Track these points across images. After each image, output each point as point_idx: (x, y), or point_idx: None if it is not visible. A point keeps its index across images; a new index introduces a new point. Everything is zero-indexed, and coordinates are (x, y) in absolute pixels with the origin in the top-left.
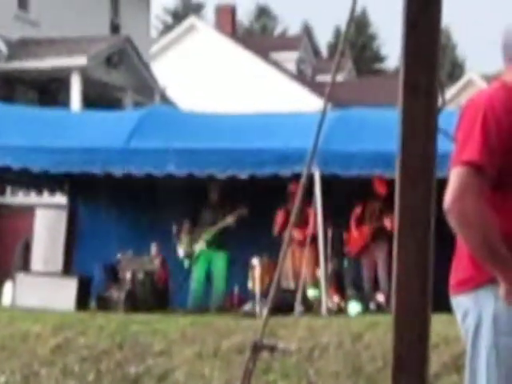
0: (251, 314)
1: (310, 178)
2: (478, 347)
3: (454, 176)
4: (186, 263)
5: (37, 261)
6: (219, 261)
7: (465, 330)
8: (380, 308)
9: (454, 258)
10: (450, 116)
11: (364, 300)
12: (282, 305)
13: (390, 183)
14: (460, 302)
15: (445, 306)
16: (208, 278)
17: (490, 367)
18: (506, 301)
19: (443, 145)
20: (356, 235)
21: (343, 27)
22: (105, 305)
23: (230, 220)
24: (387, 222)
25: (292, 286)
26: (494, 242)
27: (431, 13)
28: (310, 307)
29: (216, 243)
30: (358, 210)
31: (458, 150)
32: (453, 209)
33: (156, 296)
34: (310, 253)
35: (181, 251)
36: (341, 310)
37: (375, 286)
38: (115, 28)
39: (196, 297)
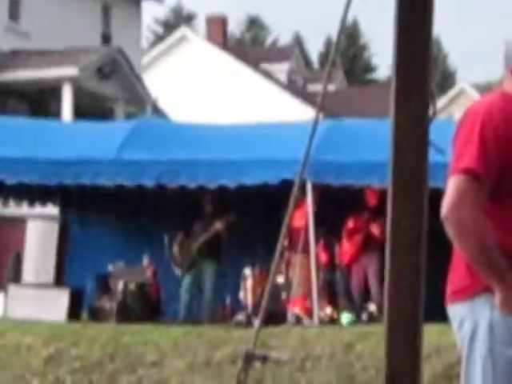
0: (243, 325)
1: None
2: (474, 356)
3: (452, 183)
4: (179, 272)
5: (28, 272)
6: (209, 270)
7: (461, 338)
8: (372, 318)
9: (449, 267)
10: (441, 125)
11: (356, 310)
12: (274, 315)
13: (381, 194)
14: (456, 310)
15: (437, 316)
16: (199, 287)
17: (485, 376)
18: (502, 310)
19: (435, 155)
20: (347, 246)
21: (334, 37)
22: (96, 316)
23: (218, 226)
24: (374, 229)
25: (284, 295)
26: (491, 251)
27: (422, 23)
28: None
29: (207, 252)
30: (350, 224)
31: (456, 158)
32: (450, 217)
33: (148, 307)
34: (303, 263)
35: (177, 269)
36: (333, 320)
37: (366, 295)
38: (106, 39)
39: (186, 306)
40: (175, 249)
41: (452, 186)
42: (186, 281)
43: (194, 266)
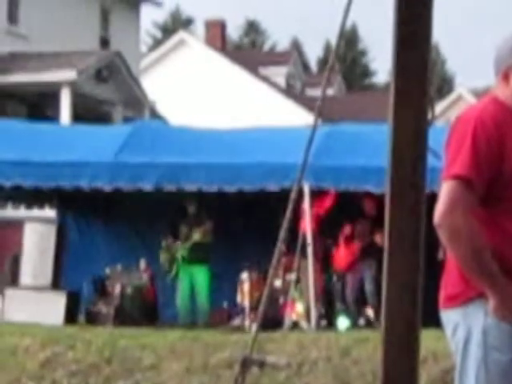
0: (240, 329)
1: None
2: (468, 362)
3: (444, 190)
4: (168, 278)
5: (26, 275)
6: (200, 276)
7: (454, 344)
8: (369, 323)
9: (443, 273)
10: (439, 131)
11: (352, 315)
12: (271, 319)
13: (379, 200)
14: (450, 316)
15: (433, 322)
16: (193, 292)
17: (479, 382)
18: (495, 315)
19: (432, 160)
20: (345, 252)
21: (333, 42)
22: (93, 319)
23: (196, 236)
24: (378, 239)
25: (281, 300)
26: (484, 257)
27: (422, 28)
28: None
29: (196, 258)
30: (347, 228)
31: (449, 164)
32: (443, 223)
33: (145, 310)
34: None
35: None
36: (330, 325)
37: (364, 300)
38: (105, 42)
39: (183, 313)
40: (162, 256)
41: (444, 192)
42: (180, 287)
43: (185, 272)
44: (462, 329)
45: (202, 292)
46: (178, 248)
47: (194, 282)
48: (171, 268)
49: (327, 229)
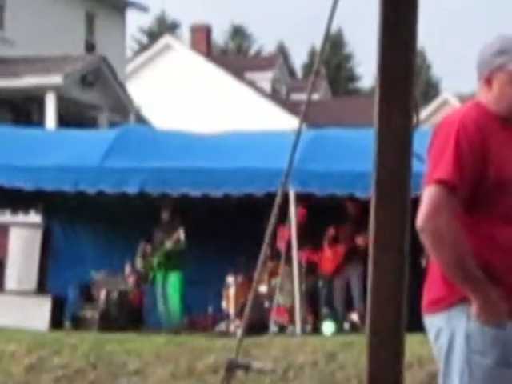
0: (226, 334)
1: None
2: (451, 366)
3: (427, 195)
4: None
5: (11, 280)
6: (173, 281)
7: (438, 349)
8: (354, 328)
9: (426, 277)
10: (424, 135)
11: (338, 320)
12: (257, 324)
13: (362, 203)
14: (433, 321)
15: (418, 326)
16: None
17: None
18: (478, 320)
19: (417, 164)
20: (329, 255)
21: (318, 47)
22: (79, 324)
23: (168, 245)
24: (359, 241)
25: (267, 305)
26: (467, 261)
27: (406, 32)
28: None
29: (170, 265)
30: (331, 231)
31: (431, 169)
32: (426, 228)
33: (130, 315)
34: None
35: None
36: (315, 330)
37: (349, 305)
38: (90, 47)
39: (165, 317)
40: (138, 262)
41: (427, 197)
42: (158, 294)
43: (160, 277)
44: (445, 333)
45: (172, 298)
46: (153, 254)
47: (167, 287)
48: (148, 274)
49: (310, 233)
